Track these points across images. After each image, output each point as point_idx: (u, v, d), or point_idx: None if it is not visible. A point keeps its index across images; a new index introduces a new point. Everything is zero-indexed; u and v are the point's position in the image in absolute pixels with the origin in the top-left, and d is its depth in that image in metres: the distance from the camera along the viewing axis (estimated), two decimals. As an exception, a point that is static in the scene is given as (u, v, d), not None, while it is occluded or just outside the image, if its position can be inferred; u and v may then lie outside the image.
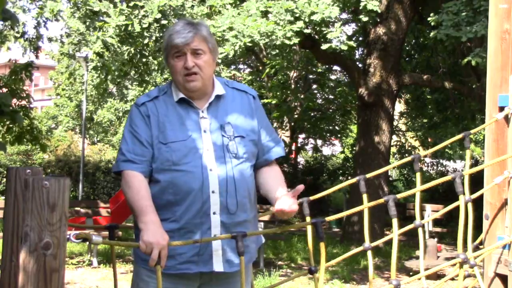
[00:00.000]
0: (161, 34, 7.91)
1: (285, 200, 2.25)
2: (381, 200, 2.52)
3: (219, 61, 8.47)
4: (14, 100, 7.66)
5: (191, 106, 2.39)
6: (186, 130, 2.35)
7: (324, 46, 8.21)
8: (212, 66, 2.43)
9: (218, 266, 2.32)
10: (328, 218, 2.50)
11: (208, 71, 2.39)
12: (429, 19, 7.89)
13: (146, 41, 7.87)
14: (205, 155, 2.32)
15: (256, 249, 2.52)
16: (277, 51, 8.17)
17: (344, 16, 11.55)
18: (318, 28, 8.02)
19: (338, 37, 8.06)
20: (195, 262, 2.31)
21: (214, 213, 2.30)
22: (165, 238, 2.15)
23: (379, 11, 8.32)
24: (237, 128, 2.40)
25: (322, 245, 2.29)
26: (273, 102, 15.18)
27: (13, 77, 7.48)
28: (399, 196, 2.54)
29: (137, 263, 2.40)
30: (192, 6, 7.98)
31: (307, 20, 7.64)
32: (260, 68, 15.77)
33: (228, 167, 2.34)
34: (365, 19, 8.29)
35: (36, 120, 10.10)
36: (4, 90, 7.46)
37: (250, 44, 7.75)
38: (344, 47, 8.14)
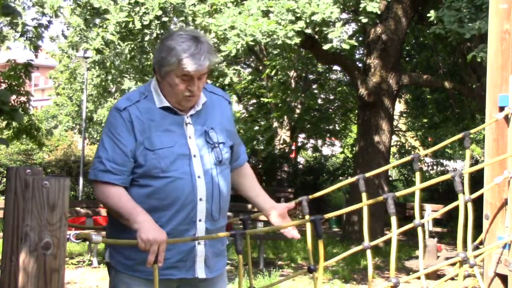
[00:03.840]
0: (162, 31, 7.90)
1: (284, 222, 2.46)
2: (380, 198, 2.52)
3: (222, 59, 8.46)
4: (13, 97, 7.67)
5: (174, 112, 2.35)
6: (172, 136, 2.31)
7: (325, 46, 8.20)
8: None
9: (200, 272, 2.33)
10: (326, 215, 2.49)
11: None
12: (428, 14, 7.88)
13: (147, 38, 7.87)
14: (193, 162, 2.31)
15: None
16: (278, 50, 8.16)
17: (344, 16, 11.55)
18: (318, 28, 8.01)
19: (339, 36, 8.04)
20: (178, 268, 2.31)
21: (200, 220, 2.31)
22: (163, 233, 2.15)
23: (379, 12, 8.31)
24: (220, 134, 2.40)
25: (320, 243, 2.29)
26: (273, 101, 15.18)
27: (12, 73, 7.47)
28: (398, 194, 2.54)
29: (116, 268, 2.36)
30: (194, 4, 7.97)
31: (308, 20, 7.64)
32: (260, 68, 15.76)
33: (213, 174, 2.34)
34: (364, 20, 8.30)
35: (34, 117, 10.09)
36: (3, 86, 7.47)
37: (252, 43, 7.74)
38: (346, 46, 8.13)
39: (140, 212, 2.20)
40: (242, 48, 7.72)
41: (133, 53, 8.38)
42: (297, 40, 7.73)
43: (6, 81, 7.50)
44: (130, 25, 7.65)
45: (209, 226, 2.33)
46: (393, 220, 2.44)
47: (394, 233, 2.47)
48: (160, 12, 7.58)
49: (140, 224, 2.15)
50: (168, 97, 2.33)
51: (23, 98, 7.99)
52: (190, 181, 2.28)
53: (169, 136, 2.31)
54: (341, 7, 8.08)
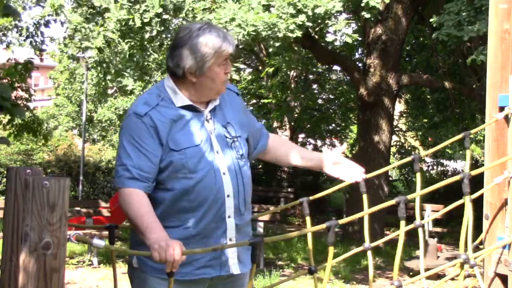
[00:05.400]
0: (162, 29, 7.87)
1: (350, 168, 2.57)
2: (392, 202, 2.49)
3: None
4: (14, 93, 7.70)
5: (195, 110, 2.35)
6: (196, 134, 2.31)
7: (329, 38, 8.19)
8: None
9: (235, 268, 2.33)
10: (341, 221, 2.46)
11: None
12: (431, 20, 7.89)
13: (147, 35, 7.86)
14: (217, 159, 2.31)
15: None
16: (279, 43, 8.09)
17: (345, 16, 11.54)
18: (321, 22, 7.97)
19: (340, 30, 8.02)
20: (212, 266, 2.30)
21: (229, 216, 2.30)
22: (175, 241, 2.07)
23: (381, 8, 8.29)
24: (236, 128, 2.41)
25: (330, 249, 2.25)
26: (273, 101, 15.18)
27: (13, 71, 7.48)
28: (410, 197, 2.50)
29: (146, 272, 2.31)
30: (194, 1, 7.95)
31: (310, 13, 7.61)
32: (260, 68, 15.77)
33: (237, 168, 2.35)
34: (367, 15, 8.27)
35: (35, 112, 10.13)
36: (4, 82, 7.48)
37: (253, 33, 7.68)
38: (349, 40, 8.11)
39: (156, 228, 2.13)
40: (244, 39, 7.66)
41: (132, 51, 8.34)
42: (298, 33, 7.69)
43: (8, 78, 7.51)
44: (130, 22, 7.64)
45: (237, 222, 2.33)
46: (402, 224, 2.41)
47: (401, 236, 2.45)
48: (160, 10, 7.56)
49: (151, 240, 2.09)
50: (208, 90, 2.33)
51: (24, 94, 8.01)
52: (216, 179, 2.28)
53: (192, 134, 2.30)
54: (342, 3, 8.06)
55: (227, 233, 2.30)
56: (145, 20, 7.59)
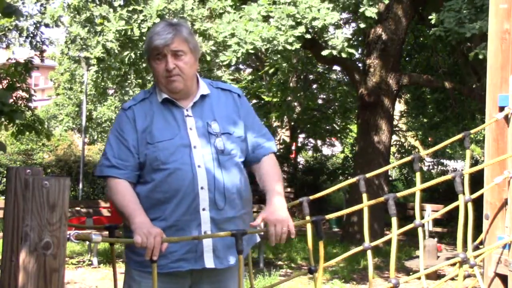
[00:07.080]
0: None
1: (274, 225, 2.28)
2: (381, 199, 2.52)
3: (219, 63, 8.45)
4: (15, 93, 7.71)
5: (175, 105, 2.42)
6: (172, 129, 2.38)
7: (324, 52, 8.15)
8: (194, 66, 2.45)
9: (209, 262, 2.34)
10: (328, 216, 2.49)
11: (190, 72, 2.41)
12: (430, 17, 7.88)
13: None
14: (193, 152, 2.35)
15: (248, 246, 2.51)
16: (279, 56, 8.13)
17: (344, 16, 11.54)
18: (318, 33, 7.97)
19: (338, 44, 7.95)
20: (187, 260, 2.33)
21: (203, 209, 2.32)
22: (157, 228, 2.18)
23: (376, 18, 8.28)
24: (223, 126, 2.43)
25: (321, 244, 2.29)
26: (274, 100, 15.17)
27: (13, 71, 7.50)
28: (399, 195, 2.53)
29: (129, 265, 2.43)
30: (192, 8, 7.94)
31: (309, 26, 7.61)
32: (260, 67, 15.76)
33: (216, 164, 2.36)
34: (362, 25, 8.30)
35: (36, 111, 10.16)
36: (4, 82, 7.50)
37: (252, 51, 7.73)
38: (344, 55, 8.07)
39: (139, 214, 2.24)
40: (243, 56, 7.70)
41: (132, 60, 8.32)
42: (297, 45, 7.69)
43: (8, 78, 7.53)
44: (129, 32, 7.62)
45: (214, 216, 2.33)
46: (394, 221, 2.44)
47: (394, 233, 2.47)
48: (158, 20, 7.54)
49: (136, 224, 2.20)
50: (159, 85, 2.43)
51: (24, 95, 8.03)
52: (190, 171, 2.32)
53: (169, 129, 2.37)
54: (340, 12, 8.06)
55: (202, 226, 2.32)
56: (143, 30, 7.57)
